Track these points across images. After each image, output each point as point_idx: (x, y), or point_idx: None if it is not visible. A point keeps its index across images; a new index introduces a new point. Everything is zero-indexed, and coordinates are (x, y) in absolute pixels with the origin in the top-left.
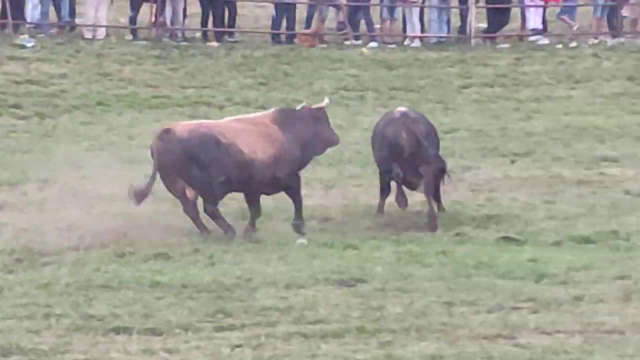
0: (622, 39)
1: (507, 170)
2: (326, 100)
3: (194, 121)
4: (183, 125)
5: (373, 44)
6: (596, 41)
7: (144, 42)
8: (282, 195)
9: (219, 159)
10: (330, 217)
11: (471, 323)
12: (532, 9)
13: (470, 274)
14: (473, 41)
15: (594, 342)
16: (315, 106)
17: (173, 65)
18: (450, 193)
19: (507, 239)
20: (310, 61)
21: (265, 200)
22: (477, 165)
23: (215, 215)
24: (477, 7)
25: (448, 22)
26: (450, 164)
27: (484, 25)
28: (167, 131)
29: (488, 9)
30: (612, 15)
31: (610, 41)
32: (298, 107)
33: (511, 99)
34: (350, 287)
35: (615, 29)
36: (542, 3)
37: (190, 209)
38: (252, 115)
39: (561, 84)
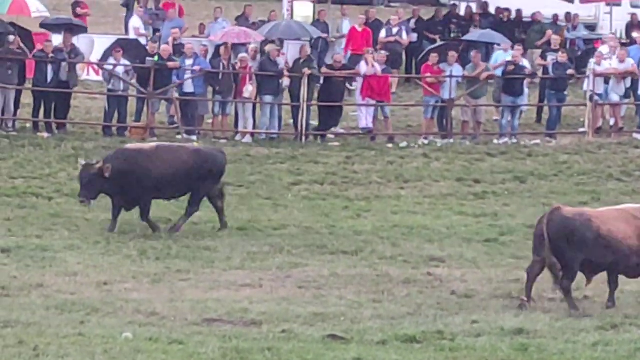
0: (451, 140)
1: (334, 268)
2: None
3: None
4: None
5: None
6: (426, 141)
7: None
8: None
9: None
10: (157, 312)
11: None
12: (363, 108)
13: None
14: (304, 138)
15: None
16: None
17: (2, 155)
18: (277, 289)
19: (333, 337)
20: None
21: (92, 294)
22: (305, 262)
23: (567, 291)
24: (308, 105)
25: (280, 118)
26: (278, 260)
27: (315, 122)
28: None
29: (319, 107)
30: (442, 116)
31: (440, 142)
32: None
33: (341, 197)
34: None
35: (445, 130)
36: (373, 102)
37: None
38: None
39: (391, 183)
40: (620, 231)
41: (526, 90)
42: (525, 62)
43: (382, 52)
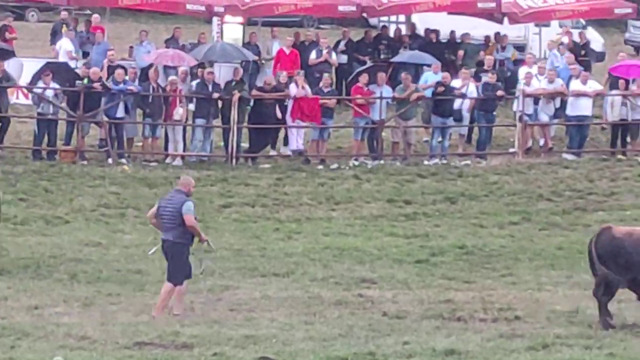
0: (382, 161)
1: (266, 290)
2: None
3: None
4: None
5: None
6: (357, 163)
7: None
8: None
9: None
10: (88, 336)
11: None
12: (294, 130)
13: None
14: (234, 161)
15: None
16: None
17: None
18: (209, 312)
19: (264, 359)
20: (71, 178)
21: (22, 319)
22: (236, 284)
23: (602, 304)
24: (238, 127)
25: (210, 141)
26: (210, 283)
27: (246, 145)
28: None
29: (250, 129)
30: (372, 137)
31: (370, 163)
32: None
33: (272, 218)
34: None
35: (375, 151)
36: (304, 124)
37: None
38: None
39: (322, 205)
40: None
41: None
42: (456, 83)
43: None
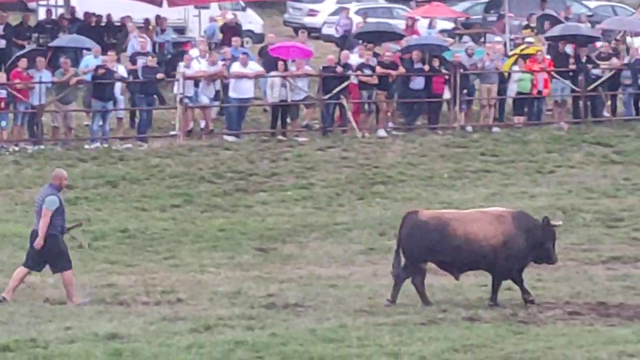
0: (42, 146)
1: None
2: (560, 222)
3: None
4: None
5: None
6: (17, 148)
7: None
8: None
9: None
10: None
11: None
12: None
13: None
14: None
15: None
16: (552, 222)
17: None
18: None
19: None
20: None
21: None
22: None
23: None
24: None
25: None
26: None
27: None
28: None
29: None
30: (32, 122)
31: (31, 148)
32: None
33: None
34: None
35: (35, 136)
36: None
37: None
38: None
39: None
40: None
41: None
42: (120, 68)
43: None
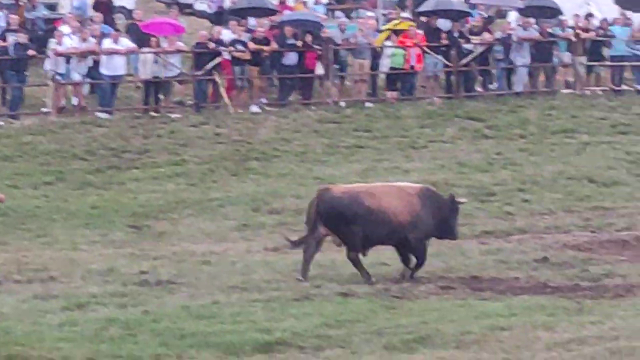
0: None
1: None
2: (465, 200)
3: None
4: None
5: None
6: None
7: None
8: None
9: None
10: None
11: None
12: None
13: None
14: None
15: None
16: (458, 199)
17: None
18: None
19: None
20: None
21: None
22: None
23: (355, 263)
24: None
25: None
26: None
27: None
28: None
29: None
30: None
31: None
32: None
33: None
34: None
35: None
36: None
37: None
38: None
39: None
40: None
41: None
42: None
43: None
